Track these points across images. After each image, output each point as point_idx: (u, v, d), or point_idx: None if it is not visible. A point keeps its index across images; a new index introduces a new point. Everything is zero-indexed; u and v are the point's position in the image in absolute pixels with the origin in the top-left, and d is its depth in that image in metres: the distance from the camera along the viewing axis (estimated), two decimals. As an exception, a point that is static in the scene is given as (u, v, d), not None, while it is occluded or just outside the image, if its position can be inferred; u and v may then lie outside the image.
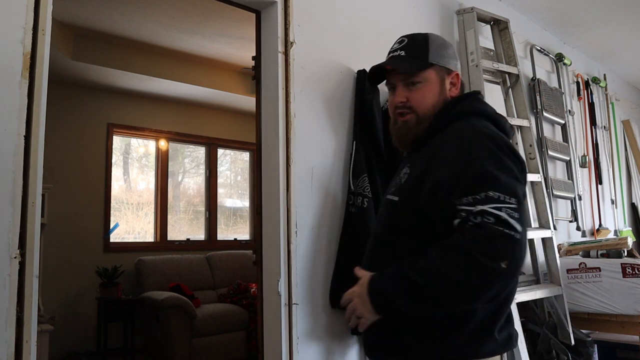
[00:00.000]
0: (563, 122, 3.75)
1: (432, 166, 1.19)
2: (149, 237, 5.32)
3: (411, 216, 1.21)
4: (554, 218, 3.32)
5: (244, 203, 6.20)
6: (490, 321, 1.19)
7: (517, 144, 3.08)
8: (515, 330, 1.29)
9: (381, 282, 1.18)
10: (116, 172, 5.14)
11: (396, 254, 1.23)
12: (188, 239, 5.51)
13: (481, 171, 1.11)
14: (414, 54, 1.32)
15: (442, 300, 1.09)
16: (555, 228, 3.15)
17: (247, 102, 5.24)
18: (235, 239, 5.88)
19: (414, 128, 1.31)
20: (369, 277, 1.21)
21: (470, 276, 1.05)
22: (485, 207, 1.07)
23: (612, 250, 2.90)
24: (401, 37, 1.38)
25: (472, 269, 1.04)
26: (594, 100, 4.33)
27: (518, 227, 1.06)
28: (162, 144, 5.47)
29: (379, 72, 1.40)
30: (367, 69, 2.35)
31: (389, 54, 1.39)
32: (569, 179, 3.74)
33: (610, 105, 4.61)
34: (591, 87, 4.34)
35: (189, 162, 5.95)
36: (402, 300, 1.12)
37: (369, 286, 1.19)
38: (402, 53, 1.32)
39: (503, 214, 1.06)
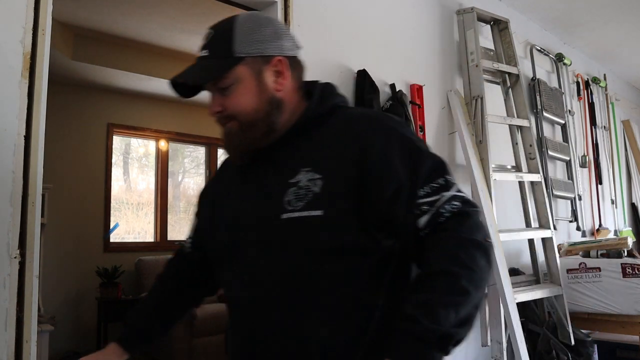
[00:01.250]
0: (563, 122, 3.75)
1: (366, 165, 0.97)
2: (149, 237, 5.32)
3: (356, 231, 0.96)
4: (554, 218, 3.32)
5: (244, 203, 6.20)
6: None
7: (517, 144, 3.08)
8: None
9: (437, 328, 0.85)
10: (116, 172, 5.14)
11: (341, 287, 0.96)
12: (188, 239, 5.51)
13: (432, 159, 0.99)
14: (217, 51, 1.03)
15: (479, 298, 0.92)
16: (555, 228, 3.15)
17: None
18: (235, 239, 5.88)
19: (245, 136, 1.04)
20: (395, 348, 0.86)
21: (483, 261, 0.92)
22: (451, 194, 0.95)
23: (612, 250, 2.90)
24: (209, 28, 1.07)
25: (482, 254, 0.93)
26: (594, 100, 4.33)
27: (474, 201, 1.00)
28: (162, 144, 5.47)
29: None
30: (367, 69, 2.38)
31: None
32: (569, 179, 3.73)
33: (610, 105, 4.61)
34: (591, 87, 4.34)
35: (189, 162, 5.95)
36: (464, 330, 0.91)
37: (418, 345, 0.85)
38: (206, 53, 1.03)
39: (463, 195, 0.97)
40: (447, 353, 0.90)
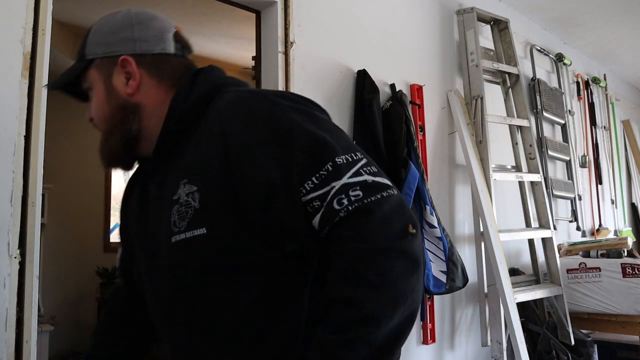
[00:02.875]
0: (563, 122, 3.75)
1: (229, 165, 0.79)
2: (149, 237, 5.32)
3: (250, 244, 0.80)
4: (554, 218, 3.32)
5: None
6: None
7: (517, 144, 3.08)
8: None
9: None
10: (116, 172, 5.14)
11: (248, 310, 0.81)
12: (188, 239, 5.50)
13: (309, 139, 0.77)
14: (77, 53, 0.95)
15: (401, 317, 0.71)
16: (555, 228, 3.15)
17: (247, 102, 5.23)
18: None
19: (107, 145, 0.93)
20: None
21: (400, 268, 0.71)
22: (343, 181, 0.74)
23: (612, 250, 2.90)
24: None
25: (395, 259, 0.71)
26: (594, 100, 4.33)
27: (386, 181, 0.76)
28: (162, 144, 5.46)
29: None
30: (367, 69, 2.38)
31: None
32: (569, 179, 3.73)
33: (610, 105, 4.61)
34: (591, 87, 4.34)
35: (189, 162, 5.94)
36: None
37: None
38: (76, 56, 0.95)
39: (366, 177, 0.74)
40: None
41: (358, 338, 0.68)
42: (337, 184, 0.73)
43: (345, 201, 0.72)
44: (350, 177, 0.74)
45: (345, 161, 0.75)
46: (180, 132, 0.87)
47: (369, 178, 0.74)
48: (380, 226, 0.72)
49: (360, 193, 0.73)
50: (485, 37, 3.15)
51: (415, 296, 0.73)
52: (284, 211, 0.76)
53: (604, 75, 4.64)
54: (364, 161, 0.76)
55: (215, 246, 0.80)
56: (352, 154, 0.76)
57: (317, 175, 0.74)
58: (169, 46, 0.93)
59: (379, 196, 0.73)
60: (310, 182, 0.74)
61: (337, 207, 0.73)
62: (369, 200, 0.73)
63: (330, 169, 0.74)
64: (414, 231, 0.73)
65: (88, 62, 0.92)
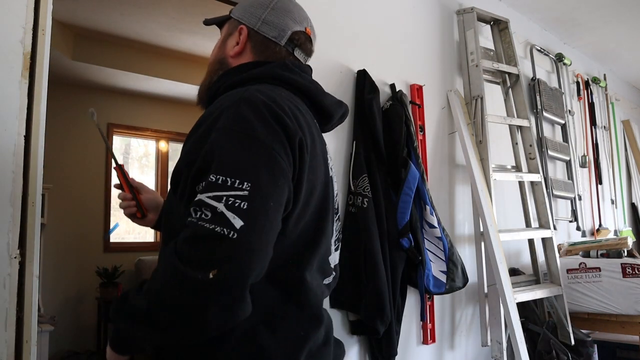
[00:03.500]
0: (563, 122, 3.75)
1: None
2: (149, 237, 5.32)
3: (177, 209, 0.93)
4: (554, 218, 3.32)
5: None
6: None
7: (517, 144, 3.08)
8: None
9: (114, 314, 0.89)
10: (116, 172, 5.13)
11: None
12: (188, 239, 5.50)
13: (210, 147, 0.85)
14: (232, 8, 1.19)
15: (169, 324, 0.82)
16: (555, 228, 3.16)
17: (247, 102, 5.23)
18: (235, 239, 5.87)
19: (202, 83, 1.15)
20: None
21: (177, 292, 0.79)
22: (203, 197, 0.81)
23: (612, 250, 2.90)
24: None
25: (177, 282, 0.79)
26: (594, 100, 4.33)
27: (237, 223, 0.79)
28: (162, 144, 5.47)
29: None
30: (367, 69, 2.38)
31: None
32: (569, 179, 3.74)
33: (610, 105, 4.61)
34: (591, 87, 4.34)
35: (189, 162, 5.94)
36: (135, 331, 0.85)
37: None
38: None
39: (221, 206, 0.79)
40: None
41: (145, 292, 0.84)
42: (199, 198, 0.82)
43: (192, 215, 0.81)
44: (210, 198, 0.81)
45: (219, 181, 0.81)
46: (208, 104, 1.03)
47: (221, 208, 0.80)
48: (190, 247, 0.80)
49: (209, 215, 0.80)
50: (485, 37, 3.16)
51: (197, 318, 0.80)
52: (181, 191, 0.91)
53: (604, 75, 4.64)
54: (240, 193, 0.81)
55: (168, 203, 1.00)
56: (234, 180, 0.81)
57: (202, 182, 0.84)
58: (283, 39, 1.09)
59: (215, 229, 0.79)
60: (199, 186, 0.85)
61: (192, 214, 0.82)
62: (204, 225, 0.79)
63: (206, 182, 0.83)
64: (212, 277, 0.77)
65: (227, 18, 1.17)
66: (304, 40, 1.12)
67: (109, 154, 1.31)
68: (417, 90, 2.65)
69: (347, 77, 2.34)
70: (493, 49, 3.15)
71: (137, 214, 1.30)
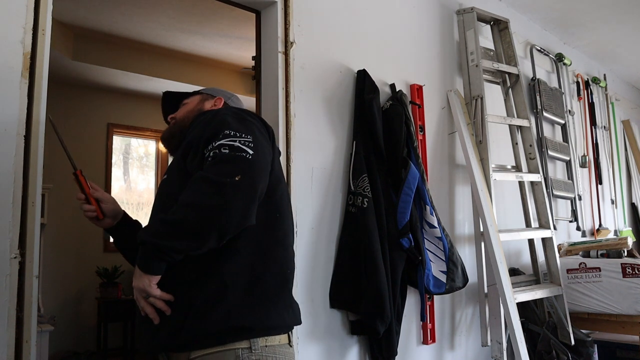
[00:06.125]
0: (563, 122, 3.75)
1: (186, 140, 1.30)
2: (149, 237, 5.31)
3: (180, 181, 1.22)
4: (554, 218, 3.32)
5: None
6: (276, 291, 1.24)
7: (517, 144, 3.08)
8: (297, 306, 1.35)
9: (142, 237, 1.13)
10: (116, 172, 5.14)
11: None
12: (188, 239, 5.50)
13: (221, 120, 1.21)
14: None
15: (198, 227, 1.09)
16: (555, 228, 3.16)
17: (247, 102, 5.21)
18: (235, 239, 5.87)
19: (173, 130, 1.56)
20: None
21: (209, 194, 1.08)
22: (220, 142, 1.14)
23: (612, 250, 2.90)
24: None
25: (209, 188, 1.08)
26: (594, 100, 4.33)
27: (249, 151, 1.13)
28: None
29: None
30: (367, 69, 2.38)
31: None
32: (569, 179, 3.74)
33: (610, 105, 4.61)
34: (591, 87, 4.34)
35: (189, 162, 5.94)
36: (165, 242, 1.09)
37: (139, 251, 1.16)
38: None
39: (237, 143, 1.14)
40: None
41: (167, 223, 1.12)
42: (218, 143, 1.15)
43: (216, 152, 1.13)
44: (227, 141, 1.15)
45: (231, 133, 1.16)
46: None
47: (237, 144, 1.14)
48: (219, 165, 1.11)
49: (228, 150, 1.13)
50: (485, 37, 3.15)
51: (225, 211, 1.08)
52: (193, 158, 1.21)
53: (604, 75, 4.64)
54: (248, 139, 1.16)
55: (168, 182, 1.33)
56: (242, 133, 1.17)
57: (214, 141, 1.16)
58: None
59: (236, 153, 1.13)
60: (211, 145, 1.16)
61: (211, 154, 1.14)
62: (228, 153, 1.12)
63: (220, 136, 1.16)
64: (238, 180, 1.09)
65: (196, 92, 1.60)
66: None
67: (68, 159, 1.50)
68: (417, 90, 2.65)
69: (347, 77, 2.34)
70: (493, 49, 3.15)
71: (99, 216, 1.50)
